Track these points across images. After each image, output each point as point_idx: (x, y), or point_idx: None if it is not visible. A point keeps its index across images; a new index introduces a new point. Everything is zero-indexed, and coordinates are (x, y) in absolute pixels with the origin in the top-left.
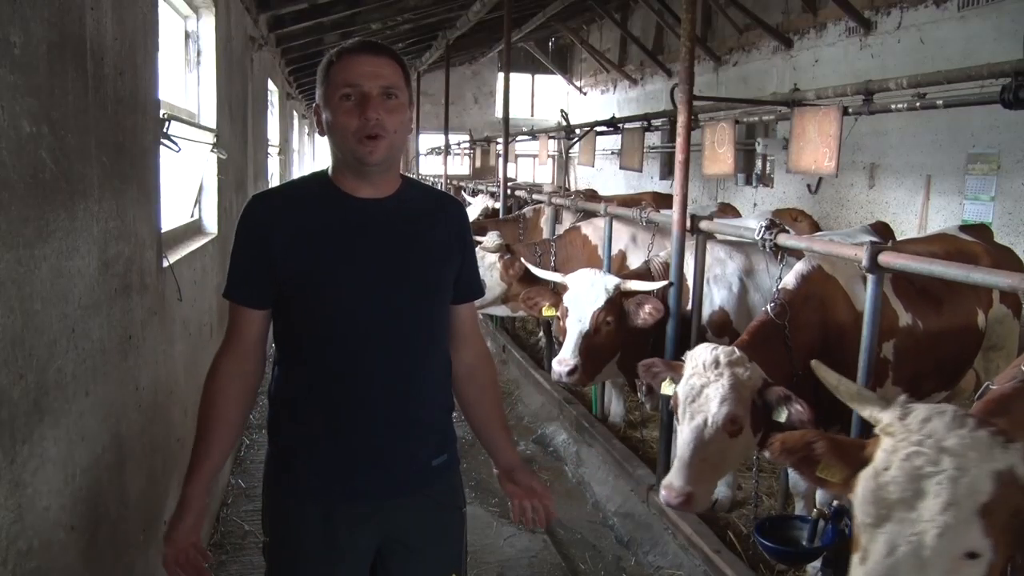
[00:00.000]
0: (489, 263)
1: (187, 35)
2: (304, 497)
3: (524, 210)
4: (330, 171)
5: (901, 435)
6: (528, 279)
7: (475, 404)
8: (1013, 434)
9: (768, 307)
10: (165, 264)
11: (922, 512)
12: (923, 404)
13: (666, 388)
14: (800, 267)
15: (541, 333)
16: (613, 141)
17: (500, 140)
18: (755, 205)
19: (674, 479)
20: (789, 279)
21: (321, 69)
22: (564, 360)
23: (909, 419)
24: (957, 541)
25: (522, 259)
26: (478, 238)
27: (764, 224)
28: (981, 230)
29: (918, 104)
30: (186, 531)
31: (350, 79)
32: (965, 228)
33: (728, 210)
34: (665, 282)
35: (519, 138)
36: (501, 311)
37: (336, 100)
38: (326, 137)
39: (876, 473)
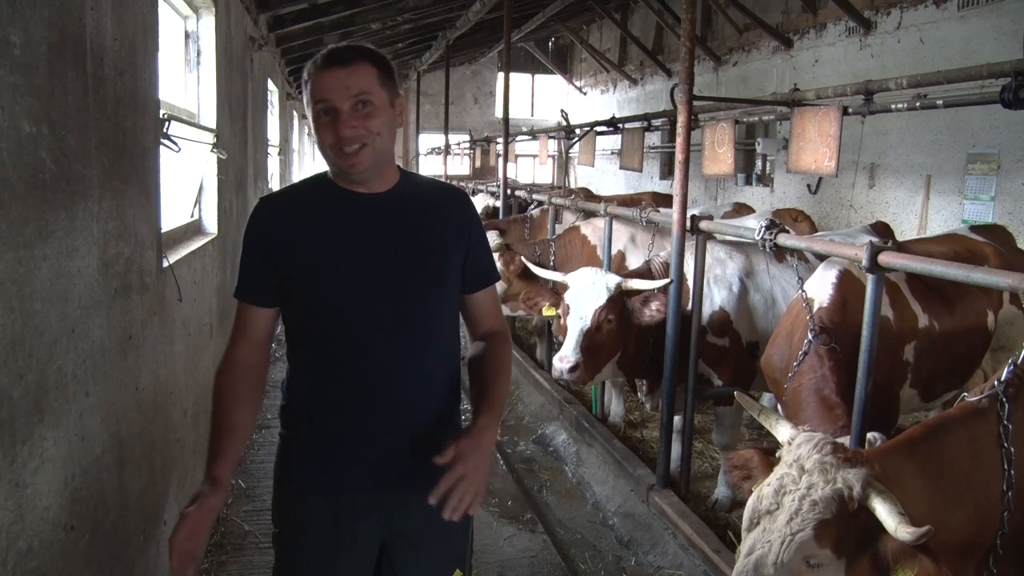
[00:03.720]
0: None
1: (187, 35)
2: (311, 488)
3: (530, 210)
4: (329, 172)
5: (785, 457)
6: (529, 278)
7: (478, 364)
8: (865, 461)
9: (812, 339)
10: (165, 264)
11: (776, 523)
12: (810, 432)
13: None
14: (826, 276)
15: (535, 337)
16: (613, 141)
17: (500, 140)
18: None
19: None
20: (822, 293)
21: (302, 82)
22: (565, 357)
23: (793, 444)
24: (795, 549)
25: (521, 257)
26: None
27: (764, 224)
28: (995, 231)
29: (918, 104)
30: (211, 510)
31: (320, 95)
32: (976, 228)
33: (743, 209)
34: (666, 280)
35: (519, 138)
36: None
37: (314, 115)
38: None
39: (761, 487)
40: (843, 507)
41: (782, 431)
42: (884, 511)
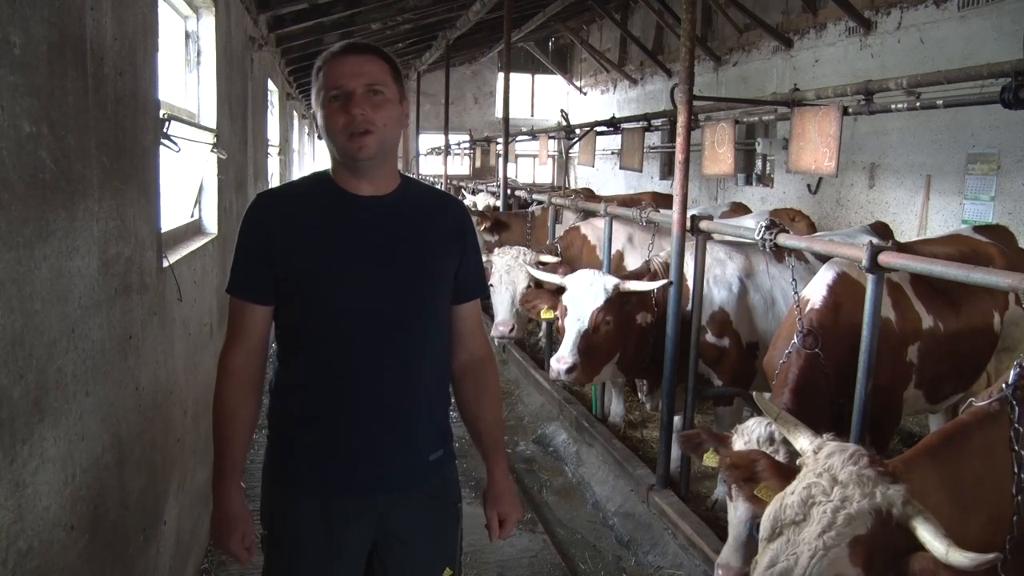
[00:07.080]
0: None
1: (187, 35)
2: (302, 490)
3: (532, 208)
4: (331, 171)
5: (811, 466)
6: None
7: (470, 406)
8: (902, 475)
9: (797, 340)
10: (165, 264)
11: (804, 534)
12: (837, 441)
13: (709, 459)
14: (823, 278)
15: (541, 334)
16: (613, 141)
17: (500, 140)
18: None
19: (730, 559)
20: (815, 295)
21: (313, 74)
22: (562, 358)
23: (820, 453)
24: (826, 565)
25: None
26: (488, 237)
27: (764, 224)
28: (998, 231)
29: (918, 104)
30: (240, 539)
31: (335, 81)
32: (980, 229)
33: (740, 209)
34: (665, 281)
35: (519, 138)
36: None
37: (326, 102)
38: (324, 139)
39: (783, 496)
40: (879, 524)
41: (802, 440)
42: (928, 534)
